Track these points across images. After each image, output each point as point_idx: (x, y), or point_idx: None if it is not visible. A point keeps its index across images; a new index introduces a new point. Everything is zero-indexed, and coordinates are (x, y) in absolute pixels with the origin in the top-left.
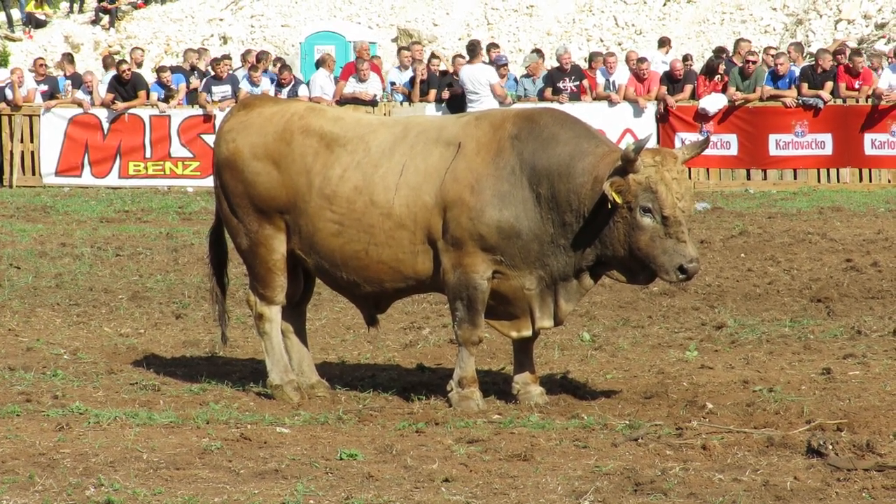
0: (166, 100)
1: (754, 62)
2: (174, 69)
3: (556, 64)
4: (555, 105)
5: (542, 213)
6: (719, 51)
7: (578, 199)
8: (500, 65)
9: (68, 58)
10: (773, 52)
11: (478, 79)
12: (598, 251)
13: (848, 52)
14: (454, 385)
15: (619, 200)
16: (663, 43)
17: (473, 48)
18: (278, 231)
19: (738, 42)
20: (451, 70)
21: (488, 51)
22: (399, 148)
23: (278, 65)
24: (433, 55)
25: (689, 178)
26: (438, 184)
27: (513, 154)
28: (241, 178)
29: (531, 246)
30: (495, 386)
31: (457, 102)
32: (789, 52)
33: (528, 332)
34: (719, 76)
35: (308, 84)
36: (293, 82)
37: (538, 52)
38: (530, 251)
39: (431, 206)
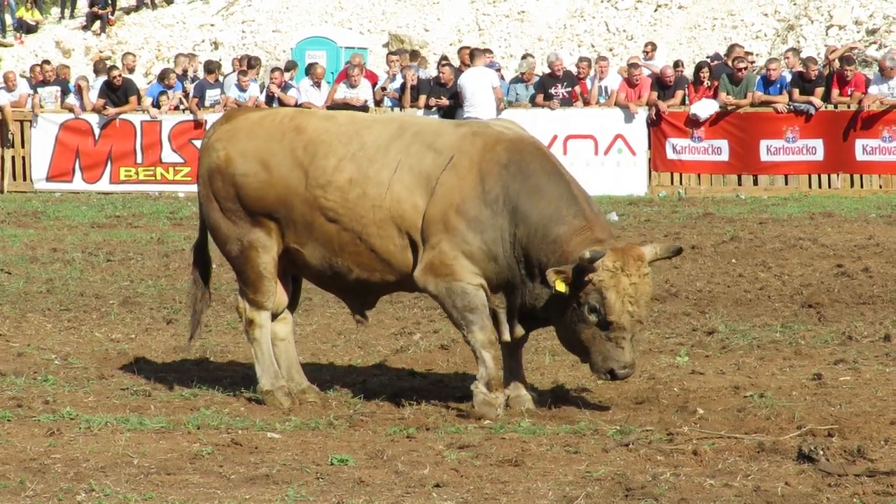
0: (158, 105)
1: (745, 68)
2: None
3: (548, 70)
4: (546, 110)
5: (515, 252)
6: (714, 57)
7: (546, 263)
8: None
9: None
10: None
11: (479, 83)
12: (551, 316)
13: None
14: (481, 386)
15: (562, 290)
16: (651, 48)
17: (474, 53)
18: (269, 235)
19: (730, 48)
20: (444, 76)
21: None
22: (395, 145)
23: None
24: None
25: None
26: (429, 192)
27: (499, 183)
28: (232, 181)
29: (505, 273)
30: None
31: (449, 110)
32: (787, 58)
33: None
34: (708, 83)
35: (298, 90)
36: (283, 85)
37: (529, 56)
38: (503, 277)
39: (421, 209)
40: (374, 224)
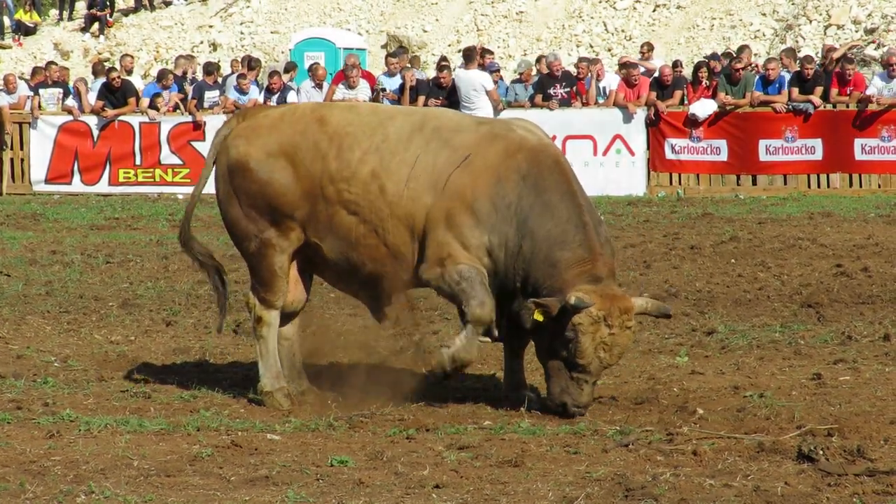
0: (155, 105)
1: (743, 68)
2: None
3: (547, 70)
4: (545, 110)
5: (516, 263)
6: (712, 57)
7: (541, 283)
8: (491, 71)
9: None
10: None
11: (473, 84)
12: (530, 331)
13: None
14: (447, 356)
15: (539, 318)
16: (648, 49)
17: (470, 54)
18: (286, 233)
19: (741, 48)
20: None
21: (482, 57)
22: (416, 139)
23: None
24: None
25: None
26: (440, 188)
27: (515, 192)
28: (255, 178)
29: (500, 278)
30: (486, 392)
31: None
32: (781, 59)
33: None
34: (706, 83)
35: (298, 91)
36: (283, 88)
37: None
38: (497, 281)
39: (429, 206)
40: (389, 219)
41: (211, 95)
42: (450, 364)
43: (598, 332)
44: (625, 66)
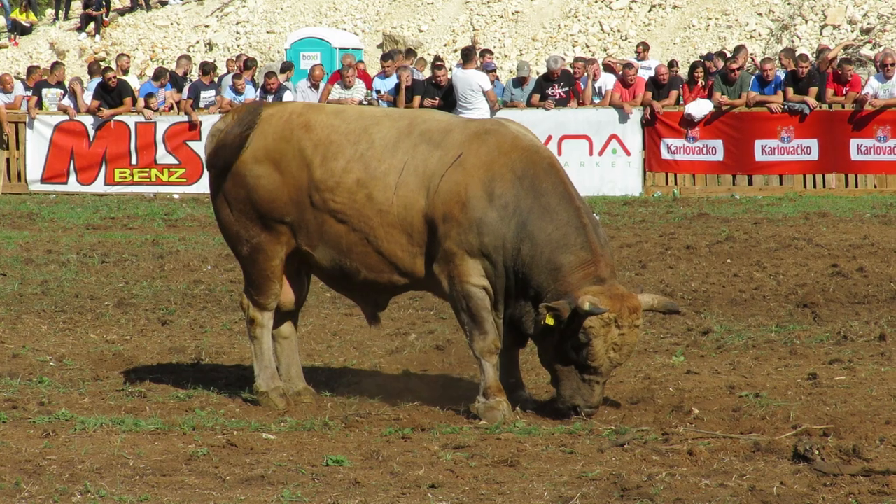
0: (148, 105)
1: (739, 68)
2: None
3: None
4: (541, 110)
5: (515, 266)
6: (707, 57)
7: (544, 286)
8: (488, 71)
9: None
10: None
11: (470, 84)
12: (534, 336)
13: (838, 59)
14: (480, 396)
15: (550, 323)
16: (644, 48)
17: (468, 54)
18: (278, 237)
19: (737, 48)
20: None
21: (481, 57)
22: (403, 144)
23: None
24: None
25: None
26: (434, 190)
27: (511, 192)
28: (244, 183)
29: (501, 281)
30: None
31: (445, 109)
32: (780, 59)
33: None
34: (702, 83)
35: (294, 91)
36: (278, 88)
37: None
38: (500, 284)
39: (424, 209)
40: (381, 227)
41: (207, 95)
42: (490, 399)
43: (610, 334)
44: (609, 68)
